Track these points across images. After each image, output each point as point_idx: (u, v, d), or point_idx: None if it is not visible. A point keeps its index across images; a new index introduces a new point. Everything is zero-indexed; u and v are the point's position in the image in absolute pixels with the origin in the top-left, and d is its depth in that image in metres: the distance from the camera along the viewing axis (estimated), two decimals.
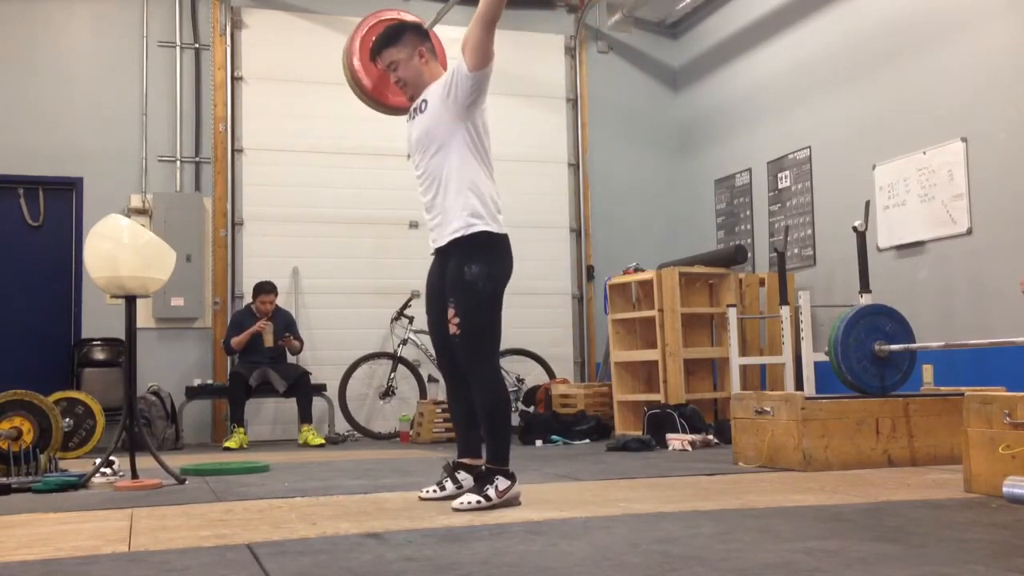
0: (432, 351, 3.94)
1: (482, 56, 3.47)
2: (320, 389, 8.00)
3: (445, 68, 3.81)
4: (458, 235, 3.52)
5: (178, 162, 8.39)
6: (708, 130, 9.15)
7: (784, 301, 6.63)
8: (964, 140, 6.16)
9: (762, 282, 7.70)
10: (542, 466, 5.07)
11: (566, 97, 9.42)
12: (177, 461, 5.37)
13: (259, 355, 7.65)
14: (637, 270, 7.80)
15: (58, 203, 8.24)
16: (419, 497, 3.69)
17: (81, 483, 4.41)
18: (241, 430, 7.35)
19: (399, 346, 8.34)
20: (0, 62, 8.08)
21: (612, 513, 3.22)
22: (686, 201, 9.41)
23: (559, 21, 9.47)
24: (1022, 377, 5.40)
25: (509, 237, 3.62)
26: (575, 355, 9.24)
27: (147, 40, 8.40)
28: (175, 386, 7.89)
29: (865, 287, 5.50)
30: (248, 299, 7.98)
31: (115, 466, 4.69)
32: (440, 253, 3.67)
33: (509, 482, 3.45)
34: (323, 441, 7.53)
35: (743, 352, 7.11)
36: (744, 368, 7.12)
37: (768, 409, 4.79)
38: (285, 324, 7.83)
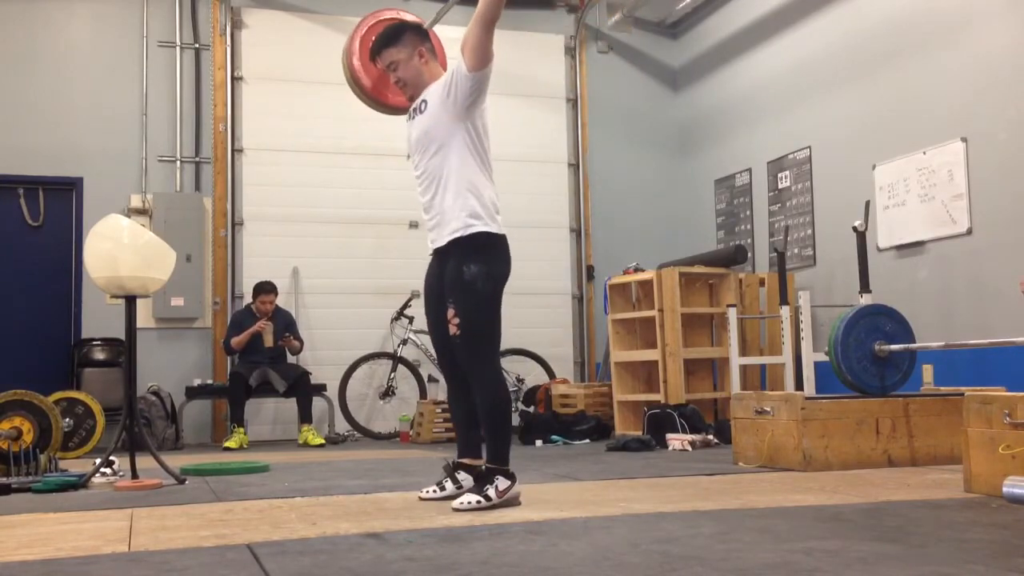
0: (432, 351, 3.94)
1: (481, 56, 3.47)
2: (320, 389, 8.00)
3: (445, 68, 3.81)
4: (457, 235, 3.52)
5: (178, 162, 8.39)
6: (708, 130, 9.15)
7: (784, 301, 6.63)
8: (964, 140, 6.16)
9: (762, 282, 7.70)
10: (542, 466, 5.07)
11: (566, 97, 9.42)
12: (177, 461, 5.37)
13: (259, 355, 7.65)
14: (637, 270, 7.80)
15: (58, 203, 8.24)
16: (419, 497, 3.69)
17: (81, 483, 4.41)
18: (241, 430, 7.35)
19: (399, 346, 8.34)
20: (0, 62, 8.08)
21: (612, 513, 3.22)
22: (686, 201, 9.41)
23: (559, 21, 9.47)
24: (1022, 377, 5.40)
25: (507, 238, 3.61)
26: (575, 355, 9.24)
27: (147, 40, 8.40)
28: (175, 386, 7.89)
29: (865, 287, 5.50)
30: (248, 299, 7.98)
31: (115, 466, 4.69)
32: (438, 254, 3.67)
33: (509, 482, 3.45)
34: (323, 441, 7.53)
35: (743, 352, 7.11)
36: (744, 368, 7.12)
37: (768, 409, 4.79)
38: (285, 324, 7.83)
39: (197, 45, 8.50)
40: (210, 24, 8.53)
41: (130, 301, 4.58)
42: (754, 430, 4.88)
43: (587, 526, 2.95)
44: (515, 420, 7.38)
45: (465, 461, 3.70)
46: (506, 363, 8.08)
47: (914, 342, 5.02)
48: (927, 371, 6.27)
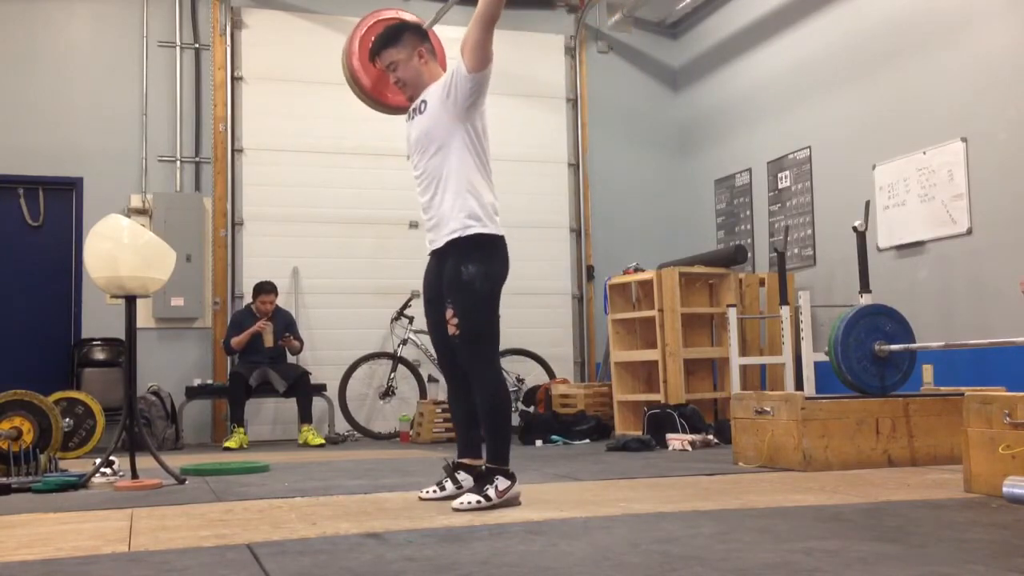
0: (432, 351, 3.95)
1: (481, 57, 3.47)
2: (320, 389, 8.00)
3: (444, 69, 3.81)
4: (454, 236, 3.53)
5: (178, 162, 8.39)
6: (708, 130, 9.15)
7: (784, 301, 6.63)
8: (964, 140, 6.16)
9: (762, 282, 7.70)
10: (542, 466, 5.07)
11: (566, 97, 9.42)
12: (177, 461, 5.37)
13: (259, 355, 7.65)
14: (637, 270, 7.80)
15: (58, 203, 8.24)
16: (419, 497, 3.69)
17: (81, 483, 4.41)
18: (241, 430, 7.35)
19: (399, 346, 8.34)
20: (0, 62, 8.08)
21: (612, 513, 3.22)
22: (686, 201, 9.41)
23: (559, 21, 9.47)
24: (1022, 377, 5.40)
25: (507, 238, 3.61)
26: (575, 355, 9.24)
27: (147, 40, 8.40)
28: (175, 386, 7.89)
29: (865, 287, 5.50)
30: (248, 299, 7.98)
31: (115, 466, 4.69)
32: (437, 254, 3.67)
33: (509, 482, 3.45)
34: (323, 441, 7.53)
35: (743, 352, 7.11)
36: (744, 368, 7.12)
37: (768, 409, 4.79)
38: (285, 324, 7.83)
39: (197, 45, 8.50)
40: (210, 24, 8.53)
41: (130, 301, 4.58)
42: (754, 430, 4.88)
43: (587, 526, 2.95)
44: (515, 420, 7.39)
45: (465, 461, 3.70)
46: (506, 363, 8.08)
47: (914, 342, 5.02)
48: (927, 371, 6.27)
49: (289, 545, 2.72)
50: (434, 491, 3.67)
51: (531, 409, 8.18)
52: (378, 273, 8.59)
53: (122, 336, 4.79)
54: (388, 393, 8.28)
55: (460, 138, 3.57)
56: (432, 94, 3.65)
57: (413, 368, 8.38)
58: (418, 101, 3.71)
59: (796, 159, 7.85)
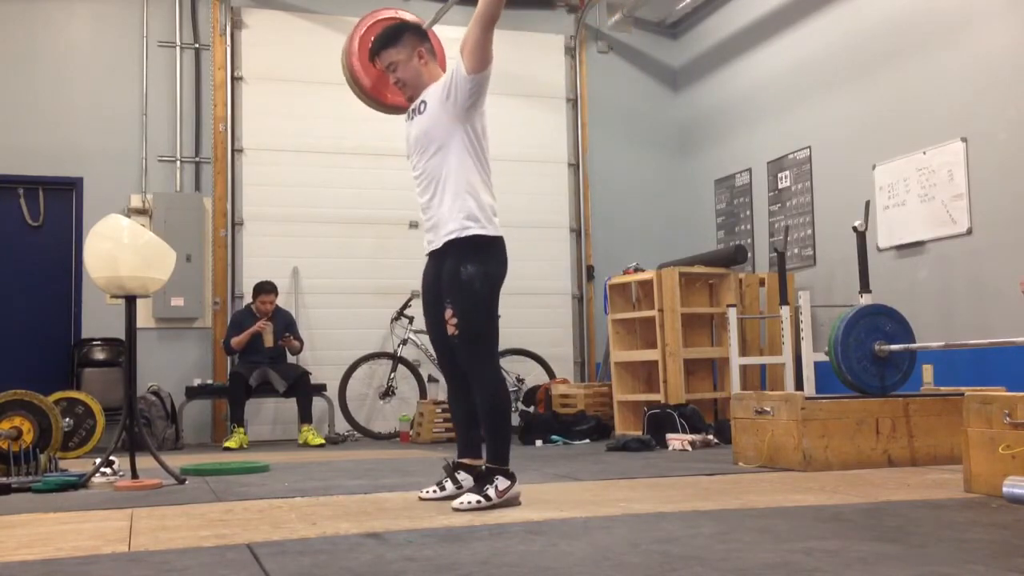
0: (432, 351, 3.95)
1: (480, 58, 3.47)
2: (320, 389, 8.00)
3: (444, 69, 3.81)
4: (452, 237, 3.53)
5: (178, 162, 8.39)
6: (708, 130, 9.15)
7: (784, 301, 6.63)
8: (964, 140, 6.16)
9: (762, 282, 7.70)
10: (542, 466, 5.07)
11: (566, 97, 9.42)
12: (177, 461, 5.37)
13: (259, 355, 7.65)
14: (637, 270, 7.80)
15: (58, 203, 8.24)
16: (419, 497, 3.69)
17: (81, 483, 4.41)
18: (241, 430, 7.35)
19: (399, 346, 8.34)
20: (0, 62, 8.09)
21: (612, 513, 3.22)
22: (686, 201, 9.41)
23: (559, 21, 9.47)
24: (1022, 377, 5.40)
25: (506, 239, 3.61)
26: (575, 355, 9.24)
27: (147, 40, 8.40)
28: (175, 386, 7.89)
29: (865, 287, 5.50)
30: (248, 299, 7.98)
31: (115, 466, 4.69)
32: (435, 255, 3.67)
33: (509, 482, 3.45)
34: (323, 441, 7.53)
35: (743, 352, 7.11)
36: (744, 368, 7.12)
37: (768, 409, 4.79)
38: (285, 324, 7.83)
39: (197, 45, 8.51)
40: (210, 24, 8.53)
41: (130, 301, 4.58)
42: (754, 430, 4.88)
43: (587, 526, 2.95)
44: (515, 420, 7.39)
45: (465, 461, 3.70)
46: (506, 363, 8.08)
47: (914, 342, 5.02)
48: (927, 371, 6.27)
49: (289, 545, 2.72)
50: (434, 491, 3.67)
51: (531, 409, 8.18)
52: (378, 273, 8.59)
53: (122, 336, 4.79)
54: (388, 393, 8.28)
55: (459, 139, 3.57)
56: (432, 95, 3.64)
57: (413, 368, 8.38)
58: (418, 101, 3.71)
59: (796, 159, 7.85)
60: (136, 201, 8.22)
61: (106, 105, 8.27)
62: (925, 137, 6.48)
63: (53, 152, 8.11)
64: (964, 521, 2.93)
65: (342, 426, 8.13)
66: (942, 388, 5.56)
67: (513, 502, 3.45)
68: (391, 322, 8.46)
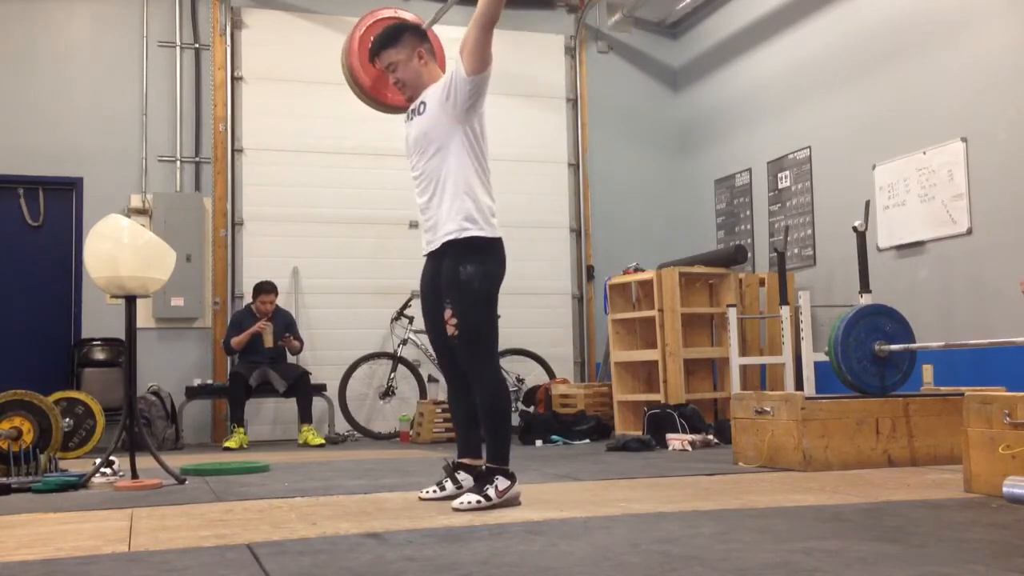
0: (432, 351, 3.95)
1: (480, 59, 3.47)
2: (320, 389, 8.00)
3: (444, 69, 3.81)
4: (451, 238, 3.53)
5: (178, 162, 8.39)
6: (708, 130, 9.15)
7: (784, 301, 6.63)
8: (964, 140, 6.16)
9: (762, 282, 7.70)
10: (542, 466, 5.07)
11: (566, 97, 9.42)
12: (177, 461, 5.37)
13: (259, 355, 7.65)
14: (637, 270, 7.80)
15: (58, 203, 8.24)
16: (419, 497, 3.69)
17: (81, 483, 4.41)
18: (241, 430, 7.35)
19: (399, 346, 8.34)
20: (0, 62, 8.09)
21: (612, 513, 3.22)
22: (686, 201, 9.41)
23: (559, 21, 9.47)
24: (1022, 377, 5.40)
25: (504, 239, 3.61)
26: (575, 355, 9.24)
27: (147, 40, 8.40)
28: (175, 386, 7.89)
29: (865, 287, 5.50)
30: (248, 299, 7.98)
31: (115, 466, 4.69)
32: (433, 255, 3.67)
33: (509, 482, 3.45)
34: (323, 441, 7.53)
35: (743, 352, 7.11)
36: (744, 368, 7.12)
37: (768, 409, 4.79)
38: (285, 324, 7.83)
39: (197, 45, 8.51)
40: (210, 24, 8.53)
41: (130, 301, 4.58)
42: (754, 430, 4.88)
43: (587, 526, 2.95)
44: (515, 420, 7.39)
45: (465, 461, 3.71)
46: (506, 363, 8.08)
47: (914, 342, 5.02)
48: (927, 371, 6.27)
49: (289, 545, 2.72)
50: (434, 491, 3.67)
51: (531, 409, 8.18)
52: (378, 273, 8.59)
53: (122, 336, 4.79)
54: (388, 393, 8.28)
55: (459, 140, 3.57)
56: (431, 95, 3.64)
57: (413, 368, 8.38)
58: (417, 102, 3.71)
59: (796, 159, 7.85)
60: (136, 201, 8.22)
61: (106, 105, 8.27)
62: (925, 137, 6.48)
63: (53, 152, 8.11)
64: (964, 521, 2.93)
65: (342, 426, 8.13)
66: (942, 388, 5.56)
67: (513, 502, 3.45)
68: (391, 322, 8.46)
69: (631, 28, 9.35)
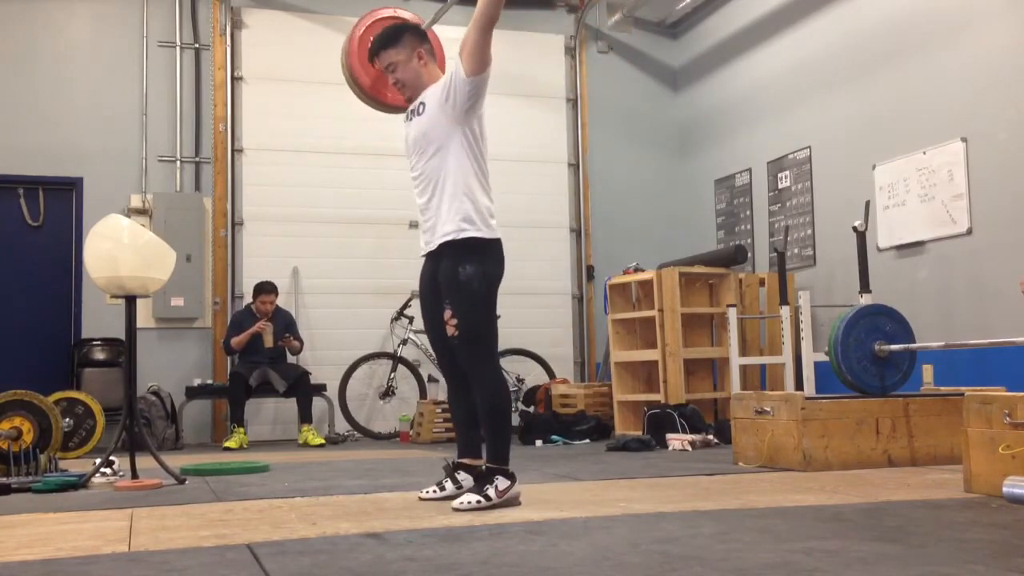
0: (432, 351, 3.95)
1: (479, 61, 3.47)
2: (320, 389, 8.00)
3: (444, 70, 3.81)
4: (449, 238, 3.53)
5: (178, 162, 8.39)
6: (708, 130, 9.15)
7: (784, 301, 6.63)
8: (964, 140, 6.16)
9: (762, 282, 7.70)
10: (542, 466, 5.07)
11: (566, 97, 9.42)
12: (177, 461, 5.37)
13: (259, 355, 7.65)
14: (637, 270, 7.80)
15: (58, 203, 8.24)
16: (419, 497, 3.69)
17: (81, 483, 4.41)
18: (241, 430, 7.35)
19: (399, 346, 8.34)
20: (0, 62, 8.08)
21: (612, 513, 3.22)
22: (686, 201, 9.41)
23: (559, 21, 9.47)
24: (1022, 377, 5.40)
25: (503, 240, 3.61)
26: (575, 355, 9.24)
27: (147, 40, 8.40)
28: (175, 386, 7.89)
29: (865, 287, 5.50)
30: (248, 299, 7.98)
31: (115, 466, 4.69)
32: (431, 256, 3.67)
33: (509, 482, 3.45)
34: (323, 441, 7.53)
35: (743, 352, 7.11)
36: (744, 368, 7.12)
37: (768, 409, 4.79)
38: (285, 324, 7.83)
39: (197, 45, 8.50)
40: (210, 24, 8.53)
41: (130, 301, 4.58)
42: (754, 430, 4.88)
43: (587, 526, 2.95)
44: (515, 420, 7.39)
45: (465, 461, 3.71)
46: (506, 363, 8.08)
47: (914, 342, 5.02)
48: (927, 371, 6.27)
49: (289, 545, 2.72)
50: (434, 491, 3.67)
51: (531, 409, 8.18)
52: (378, 273, 8.60)
53: (122, 336, 4.79)
54: (388, 393, 8.28)
55: (458, 141, 3.57)
56: (430, 96, 3.64)
57: (413, 368, 8.38)
58: (416, 103, 3.71)
59: (796, 159, 7.85)
60: (136, 201, 8.22)
61: (106, 105, 8.27)
62: (925, 137, 6.48)
63: (53, 152, 8.11)
64: (964, 521, 2.93)
65: (342, 426, 8.13)
66: (942, 388, 5.56)
67: (513, 502, 3.45)
68: (391, 322, 8.46)
69: (631, 28, 9.35)
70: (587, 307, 9.24)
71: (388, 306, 8.43)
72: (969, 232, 6.11)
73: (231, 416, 7.57)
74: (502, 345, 3.75)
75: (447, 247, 3.55)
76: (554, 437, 7.08)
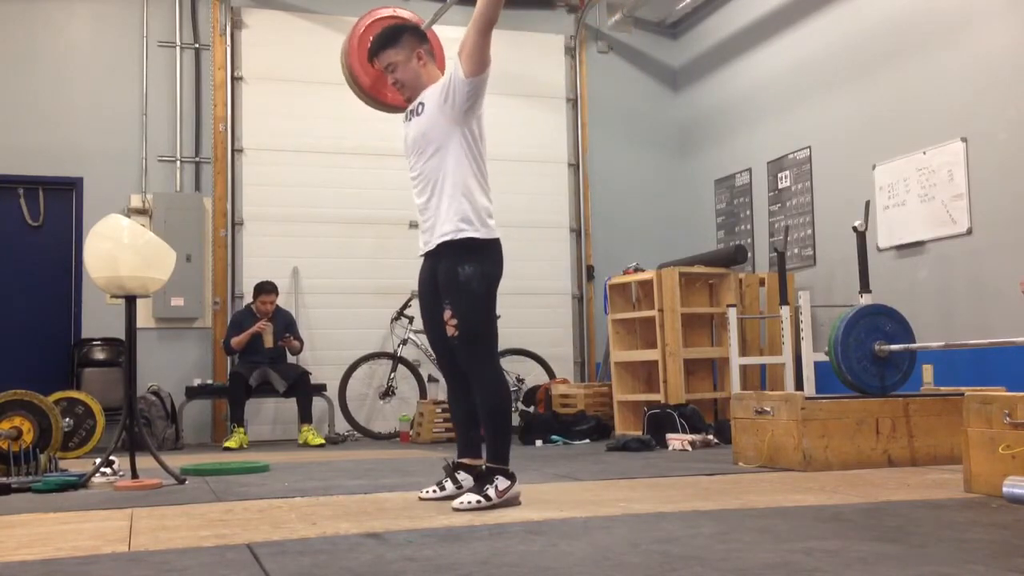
0: (432, 351, 3.96)
1: (478, 61, 3.47)
2: (320, 389, 8.00)
3: (443, 70, 3.81)
4: (447, 239, 3.53)
5: (178, 162, 8.39)
6: (708, 130, 9.15)
7: (784, 301, 6.63)
8: (964, 140, 6.16)
9: (762, 282, 7.70)
10: (542, 466, 5.07)
11: (566, 97, 9.42)
12: (177, 461, 5.37)
13: (259, 355, 7.65)
14: (637, 270, 7.80)
15: (58, 203, 8.24)
16: (419, 497, 3.69)
17: (81, 483, 4.41)
18: (241, 430, 7.35)
19: (399, 346, 8.34)
20: (0, 62, 8.08)
21: (612, 513, 3.22)
22: (686, 201, 9.41)
23: (559, 21, 9.47)
24: (1022, 377, 5.40)
25: (502, 240, 3.61)
26: (575, 355, 9.24)
27: (147, 40, 8.40)
28: (175, 386, 7.89)
29: (865, 287, 5.50)
30: (248, 299, 7.98)
31: (115, 466, 4.69)
32: (430, 256, 3.67)
33: (509, 482, 3.45)
34: (323, 441, 7.53)
35: (743, 352, 7.11)
36: (744, 368, 7.12)
37: (768, 409, 4.79)
38: (285, 324, 7.83)
39: (197, 45, 8.51)
40: (210, 24, 8.53)
41: (130, 301, 4.59)
42: (754, 430, 4.88)
43: (587, 526, 2.95)
44: (515, 420, 7.39)
45: (465, 461, 3.71)
46: (506, 363, 8.08)
47: (914, 342, 5.02)
48: (927, 371, 6.27)
49: (289, 545, 2.72)
50: (434, 491, 3.67)
51: (531, 409, 8.18)
52: (378, 273, 8.60)
53: (122, 336, 4.79)
54: (388, 393, 8.28)
55: (457, 141, 3.57)
56: (430, 96, 3.64)
57: (413, 368, 8.38)
58: (416, 103, 3.71)
59: (796, 159, 7.85)
60: (136, 201, 8.22)
61: (106, 105, 8.27)
62: (925, 137, 6.48)
63: (53, 152, 8.11)
64: (964, 521, 2.93)
65: (342, 426, 8.13)
66: (942, 388, 5.56)
67: (513, 502, 3.45)
68: (391, 322, 8.46)
69: (631, 28, 9.35)
70: (587, 307, 9.24)
71: (388, 306, 8.43)
72: (969, 232, 6.11)
73: (231, 416, 7.57)
74: (502, 345, 3.75)
75: (446, 247, 3.55)
76: (554, 437, 7.08)
